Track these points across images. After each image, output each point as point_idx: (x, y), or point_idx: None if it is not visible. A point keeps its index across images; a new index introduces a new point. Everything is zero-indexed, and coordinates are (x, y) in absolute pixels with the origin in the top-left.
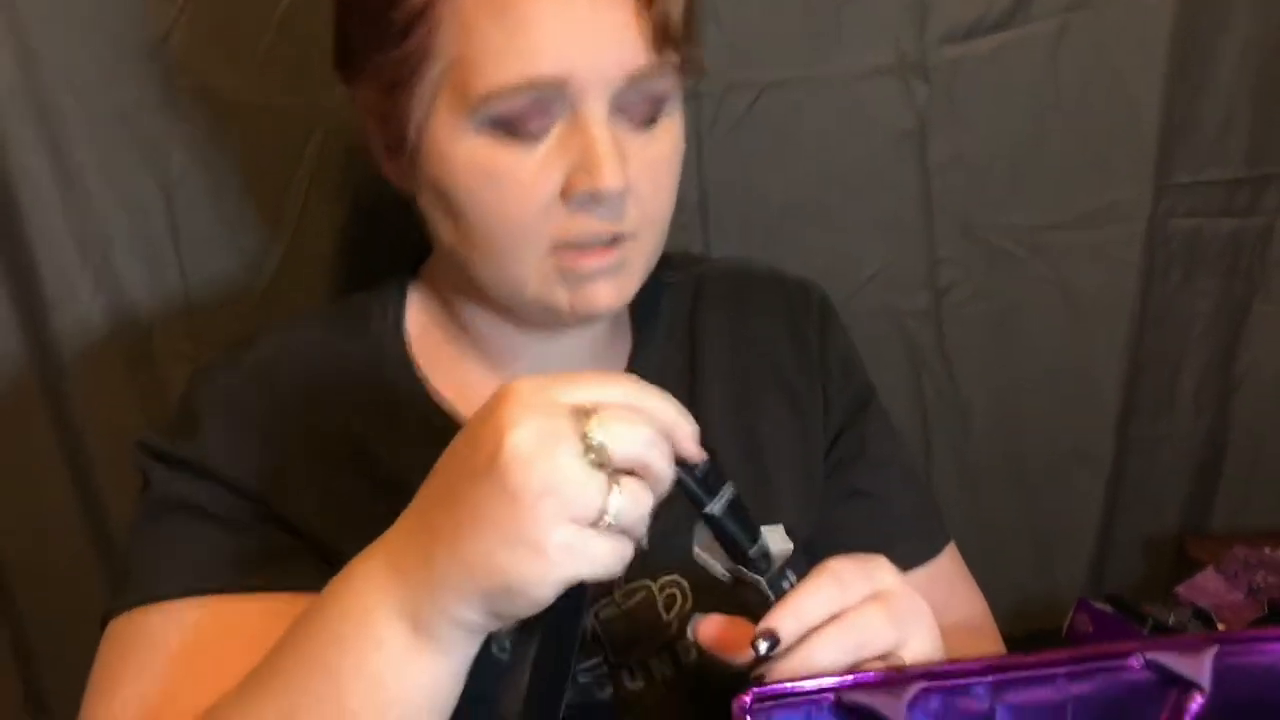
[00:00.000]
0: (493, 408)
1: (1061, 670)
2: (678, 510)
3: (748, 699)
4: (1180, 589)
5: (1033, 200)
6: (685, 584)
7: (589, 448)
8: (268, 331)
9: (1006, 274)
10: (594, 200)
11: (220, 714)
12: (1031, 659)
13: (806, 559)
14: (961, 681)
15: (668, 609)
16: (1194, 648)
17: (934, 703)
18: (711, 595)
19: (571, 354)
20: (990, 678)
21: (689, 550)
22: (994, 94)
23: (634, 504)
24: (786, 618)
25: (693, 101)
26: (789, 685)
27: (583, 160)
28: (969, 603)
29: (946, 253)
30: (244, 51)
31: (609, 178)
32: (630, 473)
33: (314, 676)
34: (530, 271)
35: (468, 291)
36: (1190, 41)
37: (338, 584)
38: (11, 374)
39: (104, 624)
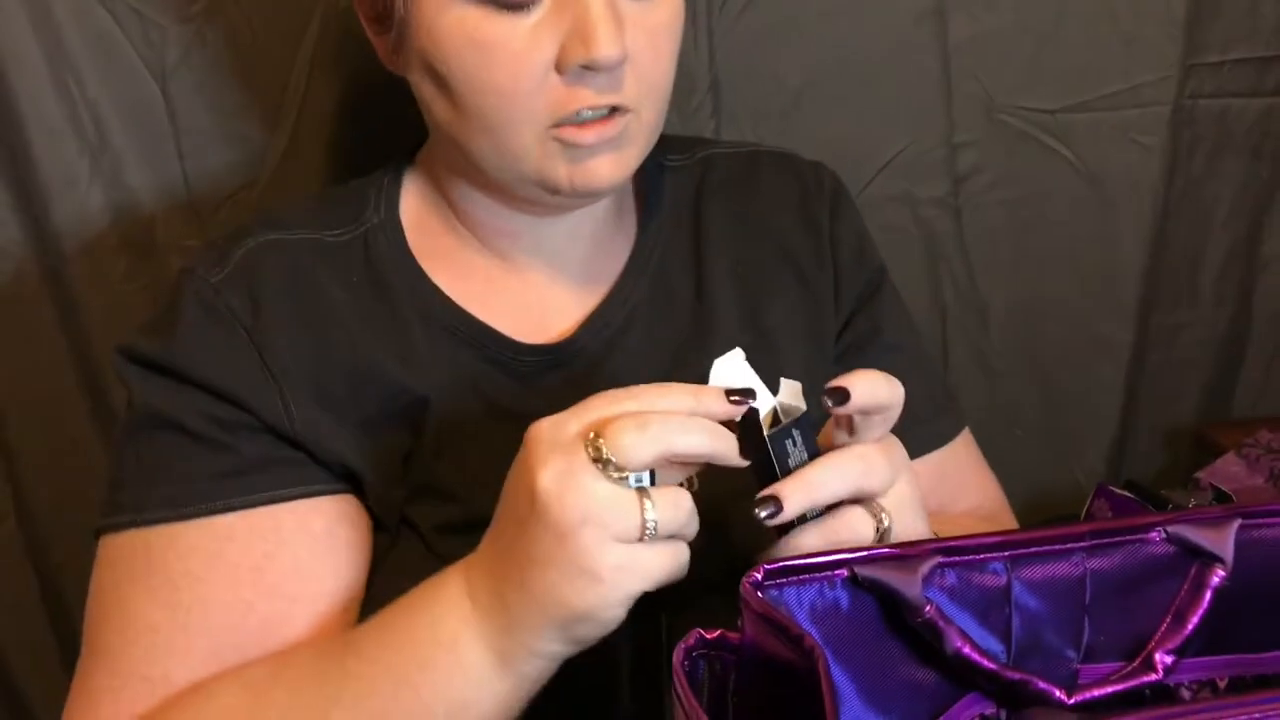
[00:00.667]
0: (522, 456)
1: (1080, 545)
2: None
3: (758, 574)
4: (1201, 474)
5: (1055, 82)
6: None
7: (605, 464)
8: (257, 225)
9: (1027, 159)
10: (590, 70)
11: (291, 710)
12: (1049, 533)
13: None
14: (977, 557)
15: None
16: (1216, 521)
17: (950, 578)
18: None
19: (573, 237)
20: (1007, 553)
21: None
22: None
23: (673, 509)
24: (796, 491)
25: None
26: (801, 560)
27: (577, 28)
28: (982, 489)
29: (966, 137)
30: None
31: (605, 46)
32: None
33: (402, 693)
34: (528, 146)
35: (465, 174)
36: None
37: (422, 608)
38: (14, 263)
39: (97, 536)
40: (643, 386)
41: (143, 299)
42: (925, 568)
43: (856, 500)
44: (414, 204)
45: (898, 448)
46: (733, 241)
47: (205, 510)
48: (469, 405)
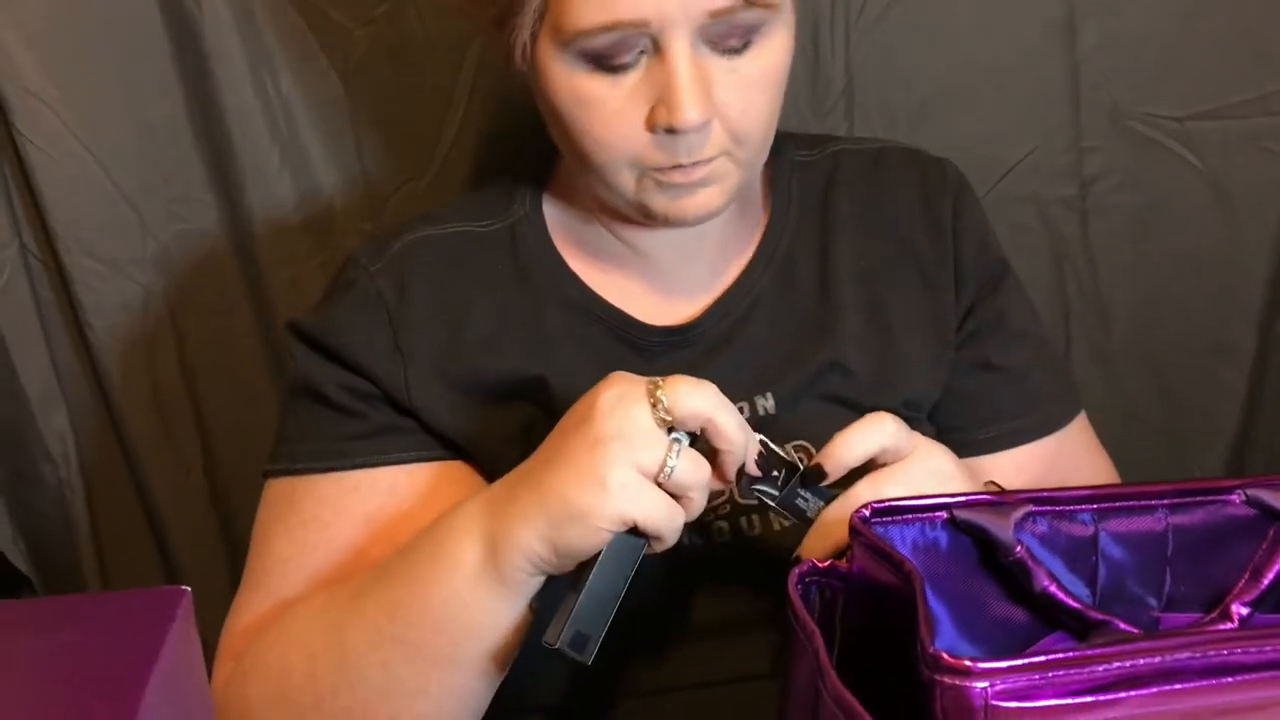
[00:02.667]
0: (592, 391)
1: (1164, 502)
2: None
3: (866, 512)
4: None
5: (1183, 89)
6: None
7: (656, 404)
8: (417, 221)
9: (1154, 164)
10: (673, 132)
11: (341, 611)
12: (1134, 489)
13: (932, 428)
14: (1067, 508)
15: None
16: None
17: (1041, 525)
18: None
19: (699, 235)
20: (1094, 505)
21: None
22: None
23: (692, 468)
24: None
25: None
26: (905, 501)
27: (664, 94)
28: (1095, 474)
29: (1093, 142)
30: None
31: (686, 113)
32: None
33: (413, 584)
34: (626, 182)
35: (586, 189)
36: None
37: (447, 512)
38: (211, 240)
39: (264, 480)
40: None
41: (321, 275)
42: (1018, 514)
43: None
44: (556, 199)
45: (925, 460)
46: (857, 235)
47: (337, 466)
48: (599, 377)
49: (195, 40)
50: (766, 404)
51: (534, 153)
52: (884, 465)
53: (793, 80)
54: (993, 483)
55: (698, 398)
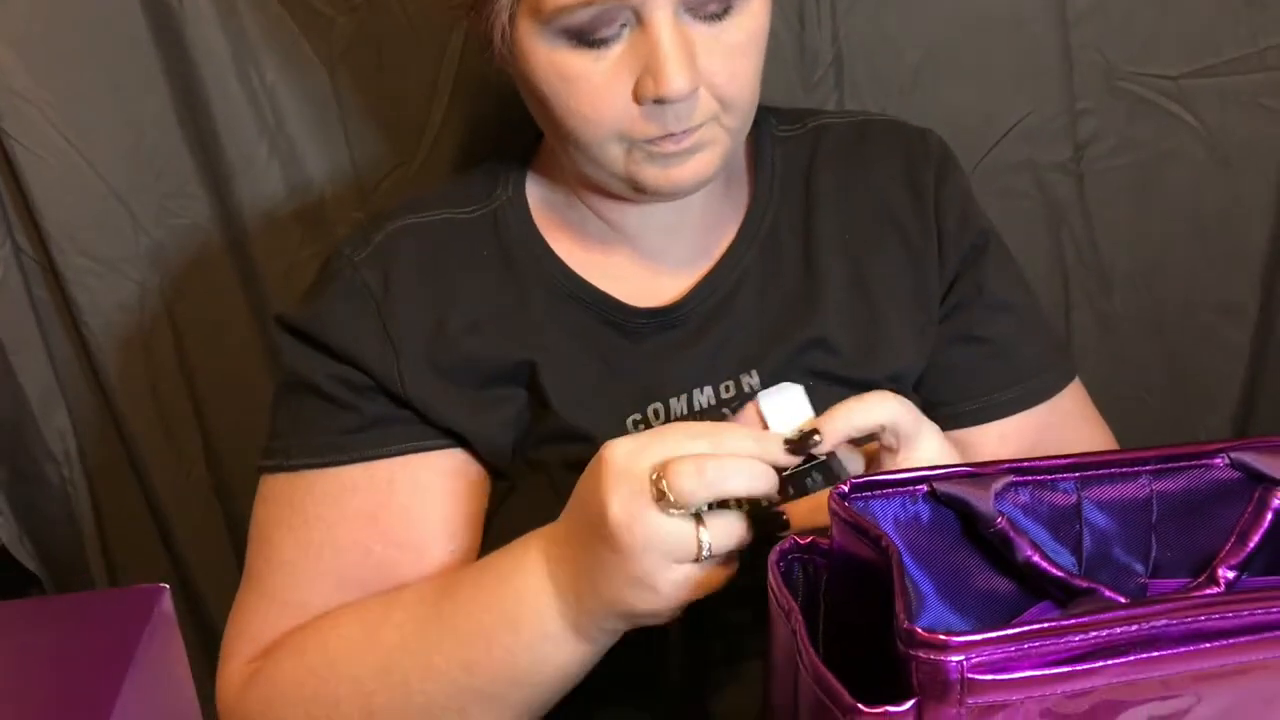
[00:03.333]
0: (596, 473)
1: (1147, 468)
2: None
3: (845, 487)
4: None
5: (1178, 48)
6: None
7: (663, 497)
8: (400, 209)
9: (1149, 125)
10: (661, 103)
11: (394, 651)
12: (1116, 456)
13: (919, 399)
14: (1048, 477)
15: None
16: (1278, 449)
17: (1023, 495)
18: None
19: (683, 211)
20: (1076, 474)
21: None
22: None
23: (726, 533)
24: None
25: None
26: (884, 476)
27: (649, 64)
28: (1091, 442)
29: (1088, 104)
30: None
31: (672, 82)
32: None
33: (494, 649)
34: (616, 156)
35: (571, 169)
36: None
37: (509, 578)
38: (203, 234)
39: (259, 476)
40: (713, 426)
41: (314, 265)
42: (998, 484)
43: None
44: (539, 182)
45: (927, 441)
46: (841, 208)
47: (333, 461)
48: (586, 362)
49: (178, 34)
50: (752, 381)
51: (517, 136)
52: (887, 448)
53: (780, 53)
54: None
55: (702, 490)
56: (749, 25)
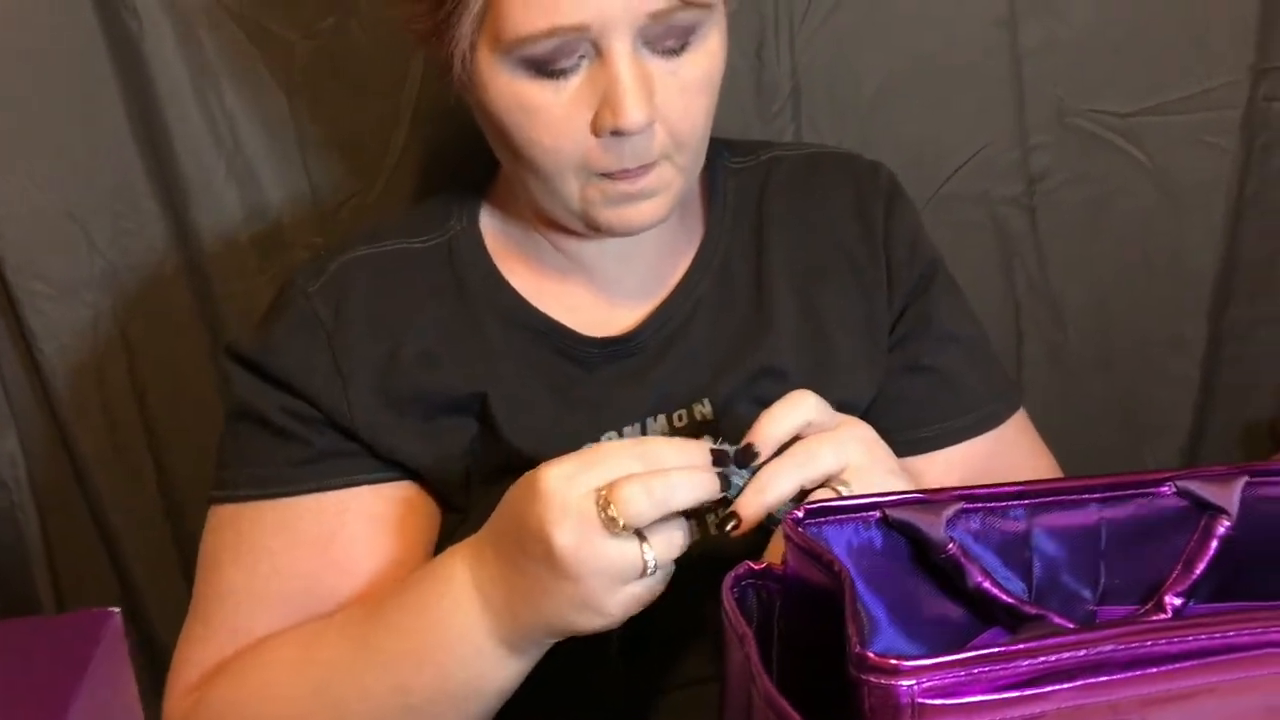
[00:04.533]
0: (530, 500)
1: (1095, 496)
2: None
3: (799, 513)
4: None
5: (1127, 86)
6: None
7: (612, 521)
8: (355, 240)
9: (1101, 161)
10: (619, 135)
11: (327, 671)
12: (1066, 484)
13: None
14: (999, 504)
15: None
16: (1223, 478)
17: (974, 522)
18: None
19: (638, 243)
20: (1026, 501)
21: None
22: None
23: (667, 547)
24: (749, 502)
25: None
26: (837, 501)
27: (608, 97)
28: (1035, 471)
29: (1040, 139)
30: None
31: (632, 114)
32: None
33: (425, 668)
34: (572, 191)
35: (527, 200)
36: None
37: (435, 599)
38: (159, 255)
39: (209, 503)
40: (638, 442)
41: (271, 290)
42: (949, 511)
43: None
44: (495, 212)
45: (850, 427)
46: (793, 238)
47: (283, 493)
48: (539, 392)
49: (136, 55)
50: (704, 410)
51: (475, 165)
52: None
53: (738, 85)
54: None
55: (653, 508)
56: (705, 63)
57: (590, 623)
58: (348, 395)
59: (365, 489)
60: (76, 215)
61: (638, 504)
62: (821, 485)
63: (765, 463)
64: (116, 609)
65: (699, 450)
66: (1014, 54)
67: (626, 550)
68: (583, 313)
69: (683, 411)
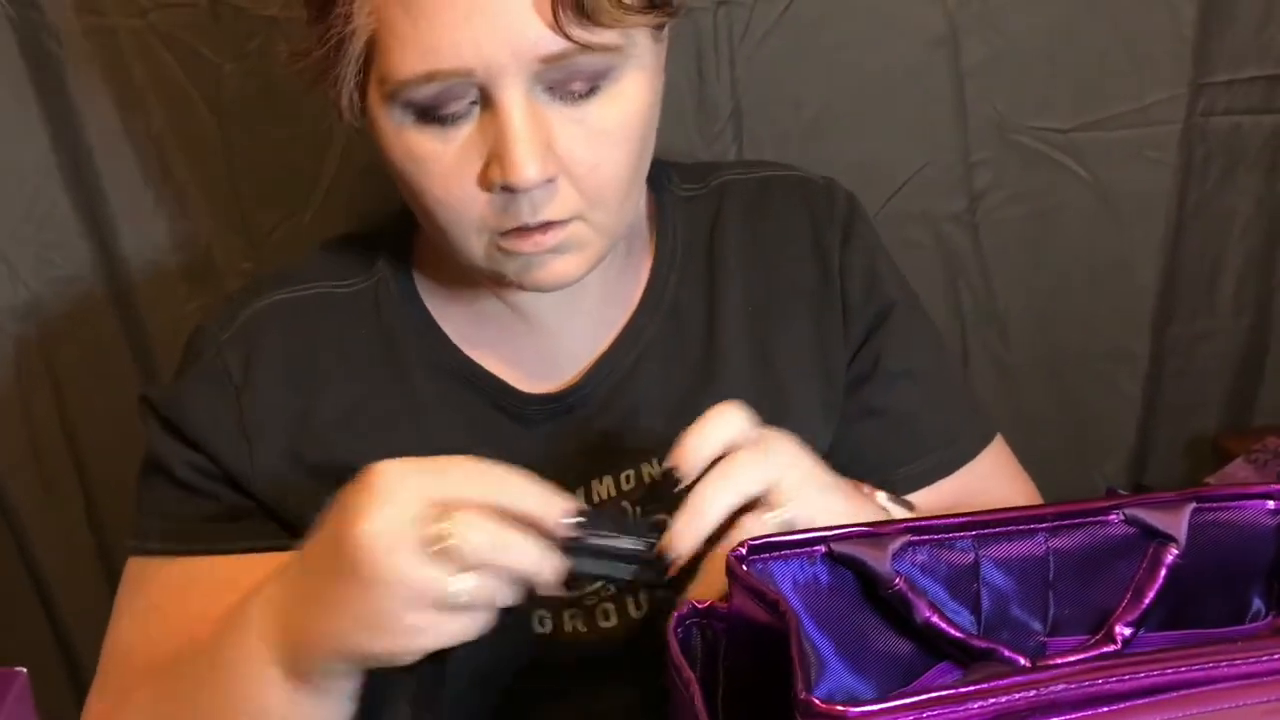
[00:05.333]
0: (355, 491)
1: (1043, 525)
2: None
3: (743, 550)
4: (1210, 479)
5: (1068, 102)
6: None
7: (437, 541)
8: (270, 282)
9: (1042, 176)
10: (510, 192)
11: (149, 699)
12: (1013, 514)
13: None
14: (946, 536)
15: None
16: (1171, 505)
17: (920, 555)
18: None
19: (581, 286)
20: (973, 532)
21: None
22: None
23: (481, 586)
24: (682, 534)
25: (724, 10)
26: (781, 537)
27: (495, 149)
28: (1009, 500)
29: (982, 155)
30: None
31: (521, 169)
32: None
33: (218, 697)
34: (475, 248)
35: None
36: None
37: (242, 616)
38: (85, 285)
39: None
40: (502, 472)
41: (200, 318)
42: (895, 544)
43: (747, 509)
44: (428, 251)
45: (773, 440)
46: (745, 275)
47: (184, 551)
48: (476, 450)
49: (59, 80)
50: (653, 470)
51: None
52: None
53: (680, 105)
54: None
55: (489, 544)
56: (622, 109)
57: (377, 643)
58: (253, 457)
59: (266, 556)
60: None
61: (480, 540)
62: (754, 508)
63: (689, 488)
64: (23, 669)
65: (555, 507)
66: (955, 71)
67: (436, 570)
68: (523, 365)
69: (630, 472)
